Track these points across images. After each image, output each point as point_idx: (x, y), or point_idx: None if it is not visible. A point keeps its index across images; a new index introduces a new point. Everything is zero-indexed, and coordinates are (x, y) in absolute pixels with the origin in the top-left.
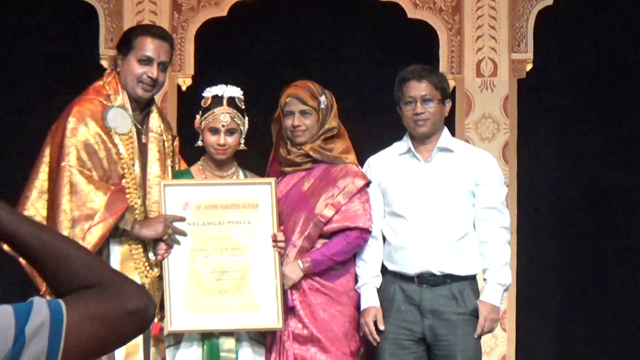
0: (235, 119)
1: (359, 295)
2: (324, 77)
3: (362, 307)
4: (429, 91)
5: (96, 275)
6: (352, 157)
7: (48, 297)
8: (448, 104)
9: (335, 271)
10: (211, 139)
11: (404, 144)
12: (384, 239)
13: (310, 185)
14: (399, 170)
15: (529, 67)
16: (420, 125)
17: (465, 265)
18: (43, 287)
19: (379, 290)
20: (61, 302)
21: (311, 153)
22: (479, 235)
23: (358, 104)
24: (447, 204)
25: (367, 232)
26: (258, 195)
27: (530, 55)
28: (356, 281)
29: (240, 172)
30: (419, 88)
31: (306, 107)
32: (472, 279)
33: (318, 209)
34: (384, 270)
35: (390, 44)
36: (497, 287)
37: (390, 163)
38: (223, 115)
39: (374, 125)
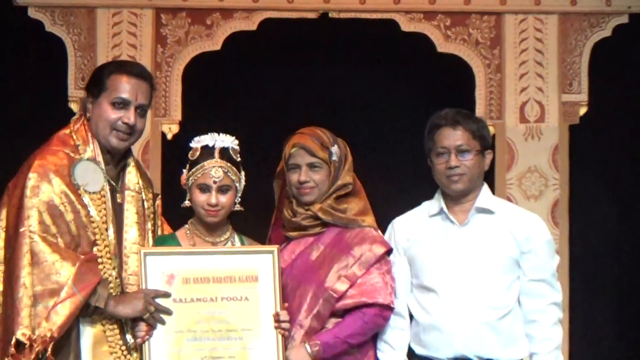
0: (229, 174)
1: None
2: (336, 124)
3: None
4: (465, 140)
5: None
6: (369, 219)
7: None
8: (489, 156)
9: (350, 356)
10: (201, 197)
11: (436, 203)
12: (411, 317)
13: (319, 253)
14: (430, 235)
15: (583, 110)
16: (455, 181)
17: (508, 350)
18: None
19: None
20: None
21: (320, 214)
22: (525, 314)
23: (377, 155)
24: (486, 275)
25: (388, 309)
26: (257, 266)
27: (584, 96)
28: None
29: (236, 238)
30: (453, 137)
31: (315, 160)
32: None
33: (329, 282)
34: (411, 354)
35: (416, 83)
36: None
37: (419, 226)
38: (214, 170)
39: (397, 181)
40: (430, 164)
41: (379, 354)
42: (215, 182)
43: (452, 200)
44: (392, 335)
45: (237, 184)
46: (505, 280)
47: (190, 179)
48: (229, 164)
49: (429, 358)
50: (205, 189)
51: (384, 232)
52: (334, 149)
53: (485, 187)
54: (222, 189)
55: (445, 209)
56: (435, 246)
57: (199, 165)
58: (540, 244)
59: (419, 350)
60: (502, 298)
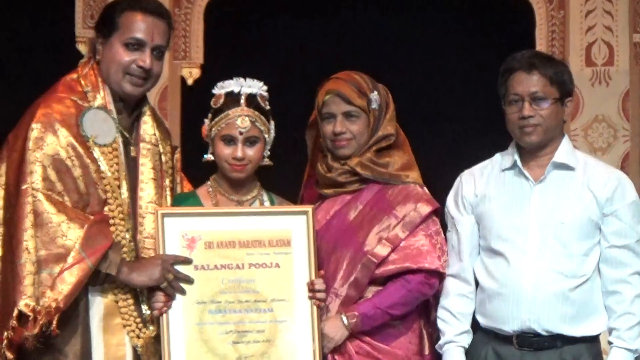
0: (257, 124)
1: None
2: (377, 70)
3: None
4: (541, 87)
5: None
6: (414, 174)
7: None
8: (570, 105)
9: (393, 329)
10: (225, 151)
11: (509, 156)
12: (477, 284)
13: (357, 213)
14: (500, 192)
15: None
16: (528, 132)
17: (582, 324)
18: None
19: (467, 353)
20: None
21: (359, 169)
22: (604, 284)
23: (423, 106)
24: (562, 239)
25: (435, 275)
26: (290, 229)
27: None
28: (420, 341)
29: (265, 197)
30: (527, 82)
31: (352, 108)
32: (592, 341)
33: (368, 246)
34: (475, 325)
35: (470, 22)
36: (627, 354)
37: (489, 181)
38: (241, 119)
39: (446, 136)
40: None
41: (439, 323)
42: (241, 133)
43: (528, 154)
44: (455, 302)
45: (266, 135)
46: (583, 245)
47: (213, 129)
48: (257, 113)
49: (493, 330)
50: (230, 140)
51: (433, 192)
52: (374, 95)
53: (566, 140)
54: (249, 141)
55: (519, 163)
56: (506, 204)
57: (222, 114)
58: (624, 206)
59: (482, 322)
60: (579, 265)
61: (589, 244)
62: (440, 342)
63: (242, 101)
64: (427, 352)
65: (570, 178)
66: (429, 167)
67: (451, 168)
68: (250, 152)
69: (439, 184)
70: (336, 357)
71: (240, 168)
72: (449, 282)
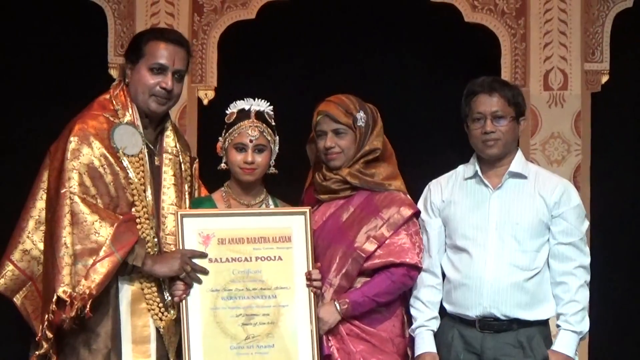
0: (264, 134)
1: (405, 343)
2: (368, 91)
3: (417, 352)
4: (501, 107)
5: None
6: (397, 183)
7: (44, 343)
8: (523, 123)
9: (378, 314)
10: (237, 157)
11: (471, 167)
12: (444, 276)
13: (349, 215)
14: (464, 197)
15: (605, 79)
16: (490, 145)
17: (535, 309)
18: (39, 332)
19: (435, 335)
20: None
21: (349, 178)
22: (553, 275)
23: (407, 123)
24: (517, 238)
25: (415, 268)
26: (291, 227)
27: (606, 65)
28: (402, 325)
29: (270, 200)
30: (489, 103)
31: (339, 126)
32: (543, 324)
33: (358, 243)
34: (442, 312)
35: (444, 52)
36: (572, 336)
37: (454, 189)
38: (251, 129)
39: (426, 148)
40: (467, 129)
41: (412, 310)
42: (251, 141)
43: (487, 165)
44: (425, 292)
45: (272, 145)
46: (535, 242)
47: (227, 140)
48: (264, 125)
49: (458, 316)
50: (241, 148)
51: (413, 196)
52: (360, 114)
53: (519, 153)
54: (258, 148)
55: (480, 173)
56: (469, 208)
57: (235, 126)
58: (570, 209)
59: (449, 308)
60: (532, 260)
61: (540, 241)
62: (413, 326)
63: (252, 115)
64: (407, 334)
65: (523, 185)
66: (411, 178)
67: (428, 178)
68: (259, 158)
69: (420, 192)
70: (330, 337)
71: (250, 171)
72: (420, 275)
